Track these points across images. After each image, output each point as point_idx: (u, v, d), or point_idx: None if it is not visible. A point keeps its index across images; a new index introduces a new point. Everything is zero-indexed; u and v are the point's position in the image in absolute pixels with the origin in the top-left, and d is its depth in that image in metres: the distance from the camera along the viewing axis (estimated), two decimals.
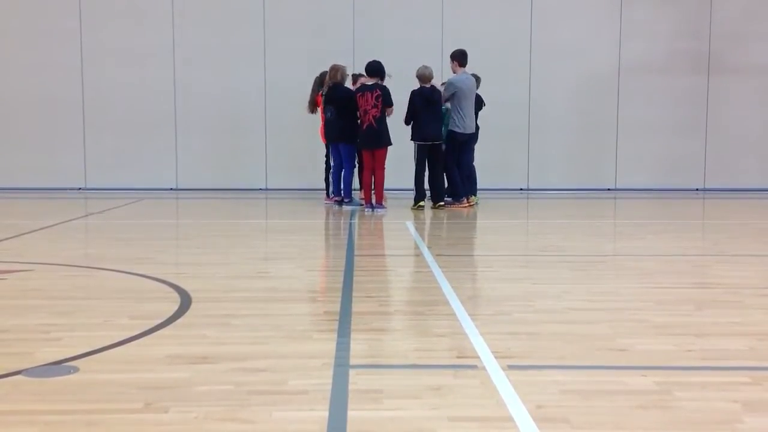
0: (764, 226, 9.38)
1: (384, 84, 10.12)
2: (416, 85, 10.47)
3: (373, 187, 10.12)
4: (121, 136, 13.35)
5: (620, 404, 2.96)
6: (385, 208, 10.08)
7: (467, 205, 10.60)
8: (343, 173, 10.45)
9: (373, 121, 9.94)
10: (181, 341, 3.83)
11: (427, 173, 10.64)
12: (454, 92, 10.41)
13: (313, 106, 10.76)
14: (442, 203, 10.46)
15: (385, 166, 10.23)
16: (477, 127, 10.93)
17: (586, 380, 3.26)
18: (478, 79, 11.03)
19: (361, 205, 10.29)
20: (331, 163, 10.68)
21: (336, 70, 10.43)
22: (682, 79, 13.68)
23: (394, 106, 10.29)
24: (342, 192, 10.43)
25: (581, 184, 13.68)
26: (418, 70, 10.42)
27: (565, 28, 13.48)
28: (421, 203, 10.39)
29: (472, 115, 10.60)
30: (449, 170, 10.63)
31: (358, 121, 10.20)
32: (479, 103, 11.03)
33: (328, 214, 10.03)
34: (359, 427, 2.72)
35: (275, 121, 13.37)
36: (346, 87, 10.40)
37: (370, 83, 10.09)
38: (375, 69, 10.14)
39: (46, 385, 3.16)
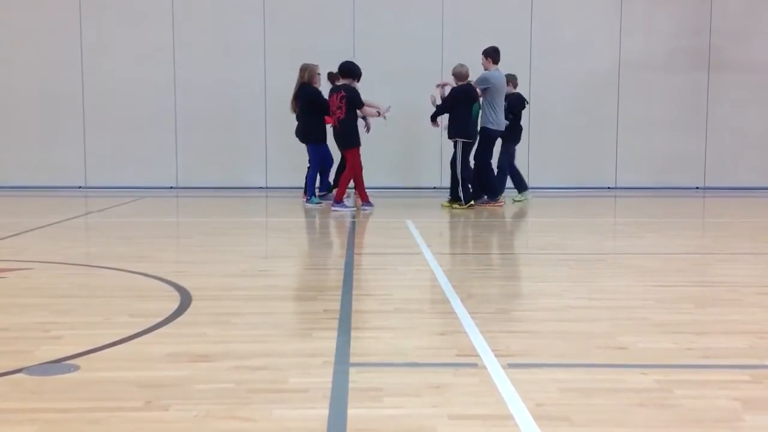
0: (764, 224, 9.38)
1: (353, 86, 9.96)
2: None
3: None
4: (121, 134, 13.35)
5: (620, 402, 2.96)
6: (372, 205, 10.03)
7: (501, 203, 10.63)
8: (307, 173, 10.57)
9: (337, 122, 9.90)
10: (182, 339, 3.83)
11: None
12: (487, 87, 10.39)
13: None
14: (473, 202, 10.41)
15: (362, 165, 10.09)
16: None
17: (586, 378, 3.26)
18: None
19: (320, 204, 10.24)
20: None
21: (303, 69, 10.41)
22: (682, 77, 13.67)
23: (375, 107, 10.35)
24: (307, 191, 10.56)
25: (581, 182, 13.68)
26: (454, 69, 10.33)
27: (566, 25, 13.47)
28: (472, 202, 10.28)
29: (503, 111, 10.59)
30: (486, 168, 10.57)
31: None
32: (522, 101, 11.09)
33: (328, 212, 10.02)
34: (359, 425, 2.72)
35: (275, 119, 13.35)
36: (312, 87, 10.34)
37: (340, 84, 10.04)
38: (345, 69, 10.05)
39: (46, 383, 3.16)
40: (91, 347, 3.64)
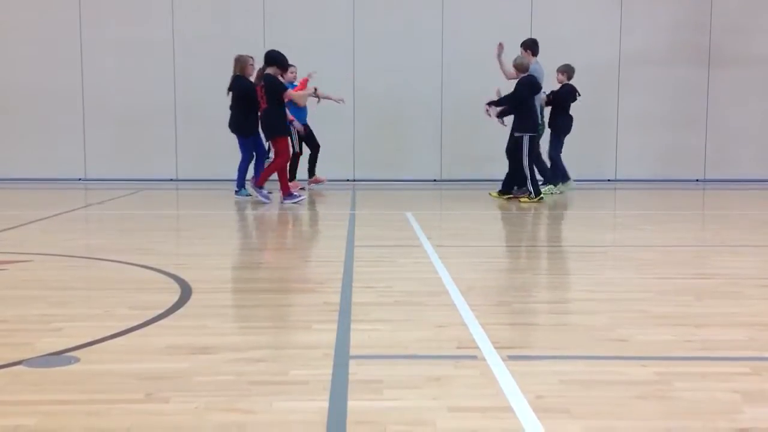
0: (764, 216, 9.38)
1: (275, 75, 9.72)
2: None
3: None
4: (120, 126, 13.34)
5: (620, 394, 2.96)
6: (297, 197, 9.82)
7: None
8: (239, 163, 10.49)
9: (261, 112, 9.82)
10: (182, 332, 3.83)
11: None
12: None
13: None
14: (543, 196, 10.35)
15: (289, 157, 10.04)
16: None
17: (586, 370, 3.26)
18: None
19: (249, 196, 9.95)
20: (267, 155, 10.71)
21: (236, 61, 10.35)
22: (682, 71, 13.66)
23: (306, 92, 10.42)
24: (238, 182, 10.52)
25: (581, 175, 13.62)
26: (515, 61, 10.24)
27: (566, 20, 13.44)
28: (542, 195, 10.18)
29: (538, 105, 10.59)
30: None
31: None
32: (573, 93, 11.03)
33: (328, 204, 10.02)
34: (359, 417, 2.73)
35: None
36: (245, 80, 10.23)
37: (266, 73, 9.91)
38: (268, 57, 9.79)
39: (46, 375, 3.16)
40: (91, 339, 3.65)
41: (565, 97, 10.98)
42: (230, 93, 10.35)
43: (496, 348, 3.52)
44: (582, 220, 8.93)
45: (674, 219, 8.96)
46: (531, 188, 10.11)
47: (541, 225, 8.56)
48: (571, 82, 11.11)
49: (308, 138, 11.50)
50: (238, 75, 10.26)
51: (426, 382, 3.09)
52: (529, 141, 10.08)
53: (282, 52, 9.85)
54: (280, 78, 9.84)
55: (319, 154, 11.66)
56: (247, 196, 10.35)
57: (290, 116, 10.77)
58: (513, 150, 10.33)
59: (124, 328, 3.84)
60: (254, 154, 10.54)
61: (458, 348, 3.58)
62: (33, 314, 4.18)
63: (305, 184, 11.62)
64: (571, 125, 11.16)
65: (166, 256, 6.22)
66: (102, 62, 13.26)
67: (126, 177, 13.20)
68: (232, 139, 13.34)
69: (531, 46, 10.53)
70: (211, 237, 7.30)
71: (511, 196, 10.39)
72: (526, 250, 6.85)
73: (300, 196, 9.96)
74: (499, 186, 10.71)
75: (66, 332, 3.80)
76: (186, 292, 4.70)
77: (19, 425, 2.64)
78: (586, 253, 6.52)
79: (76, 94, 13.32)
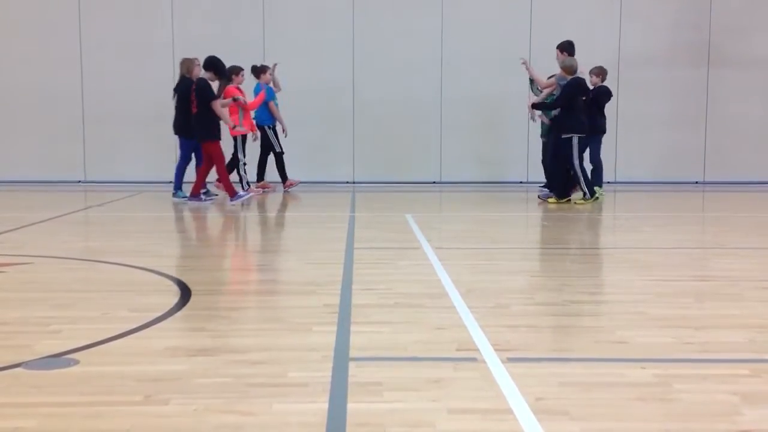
0: (764, 218, 9.38)
1: (208, 80, 9.93)
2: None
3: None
4: (120, 128, 13.34)
5: (619, 396, 2.96)
6: (244, 195, 9.95)
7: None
8: (176, 164, 10.61)
9: (193, 115, 9.91)
10: (181, 334, 3.83)
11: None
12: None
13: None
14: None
15: (223, 158, 10.17)
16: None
17: (585, 372, 3.26)
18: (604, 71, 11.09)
19: (185, 198, 10.08)
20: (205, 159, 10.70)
21: (182, 63, 10.43)
22: (682, 72, 13.66)
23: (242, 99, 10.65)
24: (175, 184, 10.62)
25: None
26: (564, 62, 10.19)
27: (565, 20, 13.44)
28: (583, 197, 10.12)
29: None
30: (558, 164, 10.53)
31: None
32: (608, 94, 10.94)
33: (328, 206, 10.01)
34: (359, 419, 2.73)
35: None
36: (190, 81, 10.26)
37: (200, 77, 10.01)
38: (207, 63, 10.05)
39: (46, 377, 3.16)
40: (91, 341, 3.64)
41: (601, 98, 10.95)
42: (176, 95, 10.40)
43: (495, 350, 3.52)
44: (582, 223, 8.93)
45: (674, 221, 8.96)
46: (585, 188, 10.12)
47: (540, 227, 8.56)
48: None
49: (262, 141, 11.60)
50: (184, 76, 10.31)
51: (426, 384, 3.09)
52: (578, 141, 10.06)
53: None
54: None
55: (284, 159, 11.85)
56: (183, 198, 10.37)
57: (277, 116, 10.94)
58: (556, 153, 10.29)
59: (123, 330, 3.84)
60: (193, 156, 10.55)
61: (458, 350, 3.58)
62: (33, 316, 4.18)
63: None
64: (605, 126, 11.12)
65: (165, 258, 6.22)
66: (102, 62, 13.26)
67: (126, 179, 13.20)
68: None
69: (567, 47, 10.48)
70: (211, 239, 7.30)
71: (569, 198, 10.34)
72: (525, 252, 6.84)
73: (247, 194, 9.98)
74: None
75: (65, 334, 3.80)
76: (185, 294, 4.70)
77: (18, 427, 2.64)
78: (586, 255, 6.52)
79: (76, 95, 13.32)
